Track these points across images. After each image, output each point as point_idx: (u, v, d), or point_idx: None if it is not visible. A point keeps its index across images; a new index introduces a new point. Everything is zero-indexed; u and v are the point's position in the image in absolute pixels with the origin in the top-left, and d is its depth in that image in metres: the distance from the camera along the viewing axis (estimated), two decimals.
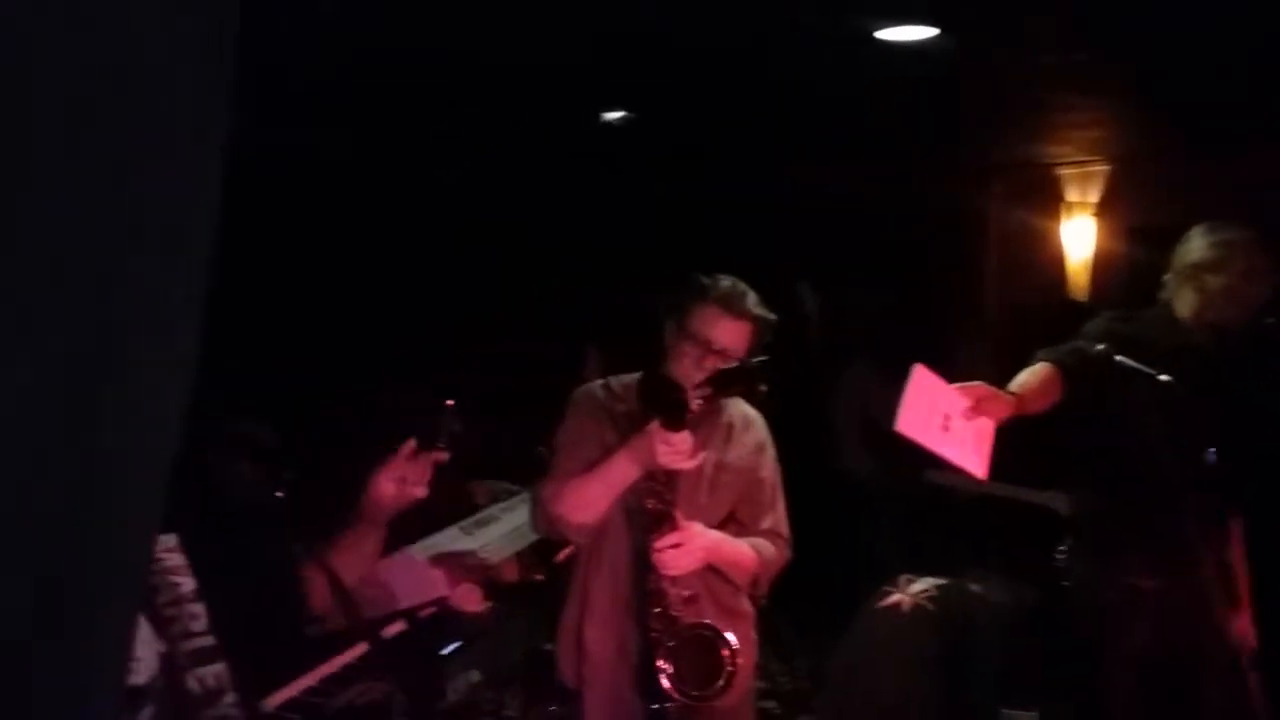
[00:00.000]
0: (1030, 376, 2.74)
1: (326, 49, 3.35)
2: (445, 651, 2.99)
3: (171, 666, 1.64)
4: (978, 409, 2.45)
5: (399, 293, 4.79)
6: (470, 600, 3.24)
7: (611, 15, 3.18)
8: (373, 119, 4.17)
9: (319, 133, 4.15)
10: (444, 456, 2.15)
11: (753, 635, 2.64)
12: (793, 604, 5.03)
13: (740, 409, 2.63)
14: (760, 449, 2.61)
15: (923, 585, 3.80)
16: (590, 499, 2.39)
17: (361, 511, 2.09)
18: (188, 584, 1.71)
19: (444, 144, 4.47)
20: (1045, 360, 2.78)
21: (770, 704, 4.74)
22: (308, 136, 4.13)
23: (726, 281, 2.49)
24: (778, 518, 2.62)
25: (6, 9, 0.67)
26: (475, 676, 2.91)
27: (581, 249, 5.14)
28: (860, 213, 5.91)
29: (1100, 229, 6.05)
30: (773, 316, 2.51)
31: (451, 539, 2.99)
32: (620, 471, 2.35)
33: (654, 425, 2.27)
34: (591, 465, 2.40)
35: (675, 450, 2.27)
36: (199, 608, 1.71)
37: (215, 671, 1.69)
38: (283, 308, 4.20)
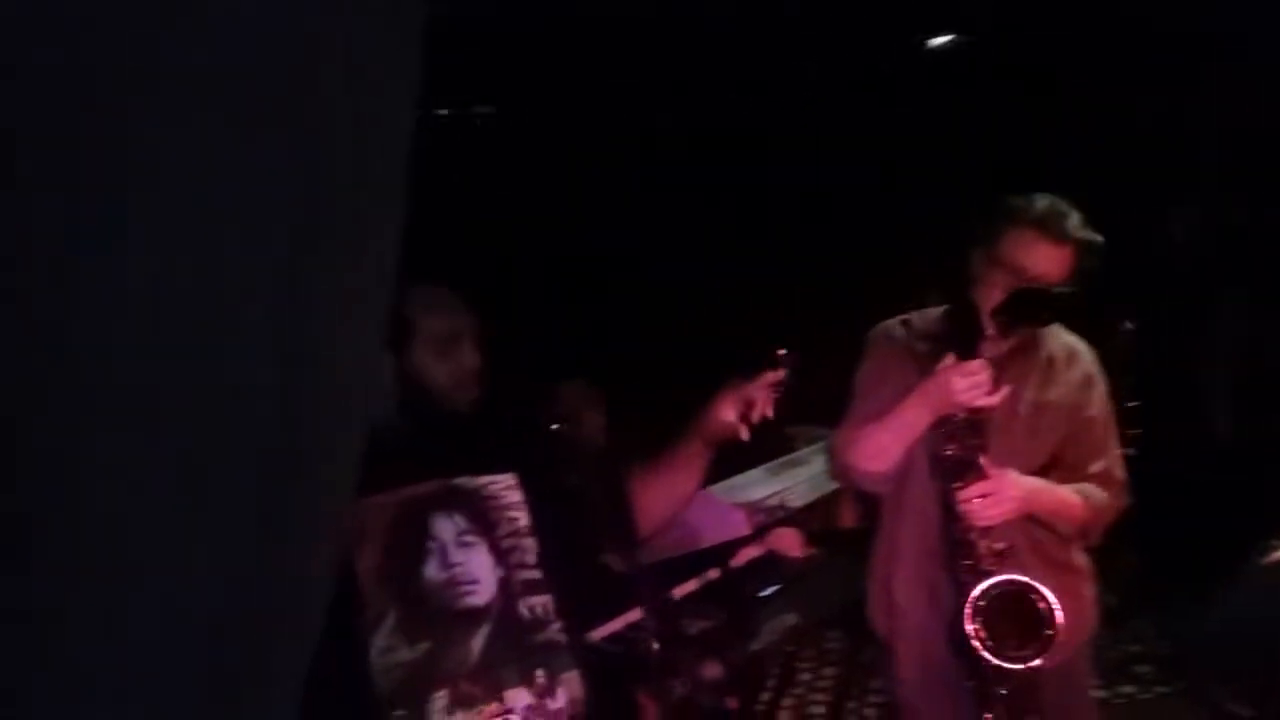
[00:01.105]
0: None
1: None
2: (763, 594, 3.01)
3: (508, 592, 1.79)
4: None
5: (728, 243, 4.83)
6: (791, 544, 3.23)
7: None
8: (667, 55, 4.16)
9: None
10: (782, 378, 2.08)
11: (1087, 592, 2.41)
12: (1165, 563, 4.62)
13: (1063, 341, 2.37)
14: (1087, 384, 2.34)
15: None
16: (882, 447, 2.25)
17: (698, 431, 2.04)
18: (523, 519, 1.83)
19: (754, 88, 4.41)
20: None
21: (1145, 668, 4.36)
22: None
23: (1044, 201, 2.23)
24: (1111, 460, 2.35)
25: None
26: (791, 619, 2.90)
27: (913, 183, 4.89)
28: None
29: None
30: (1098, 239, 2.23)
31: (757, 479, 2.99)
32: (911, 416, 2.19)
33: (946, 362, 2.11)
34: (888, 410, 2.26)
35: (972, 384, 2.08)
36: (532, 542, 1.83)
37: (543, 601, 1.81)
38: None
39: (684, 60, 4.03)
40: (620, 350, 4.15)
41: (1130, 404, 4.87)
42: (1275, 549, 3.40)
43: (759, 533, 3.03)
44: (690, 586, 3.04)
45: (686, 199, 4.63)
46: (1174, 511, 4.81)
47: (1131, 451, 4.75)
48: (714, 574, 2.93)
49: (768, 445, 3.20)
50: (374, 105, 0.85)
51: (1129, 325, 4.84)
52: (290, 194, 0.80)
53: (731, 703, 2.66)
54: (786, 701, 3.53)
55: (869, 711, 3.54)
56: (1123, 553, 4.99)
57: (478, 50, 3.23)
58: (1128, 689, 4.20)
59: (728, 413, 1.99)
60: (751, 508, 2.81)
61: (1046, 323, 2.27)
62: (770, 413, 1.99)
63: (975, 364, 2.07)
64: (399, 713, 1.67)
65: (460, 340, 1.77)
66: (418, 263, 1.78)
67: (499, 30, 3.23)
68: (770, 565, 3.19)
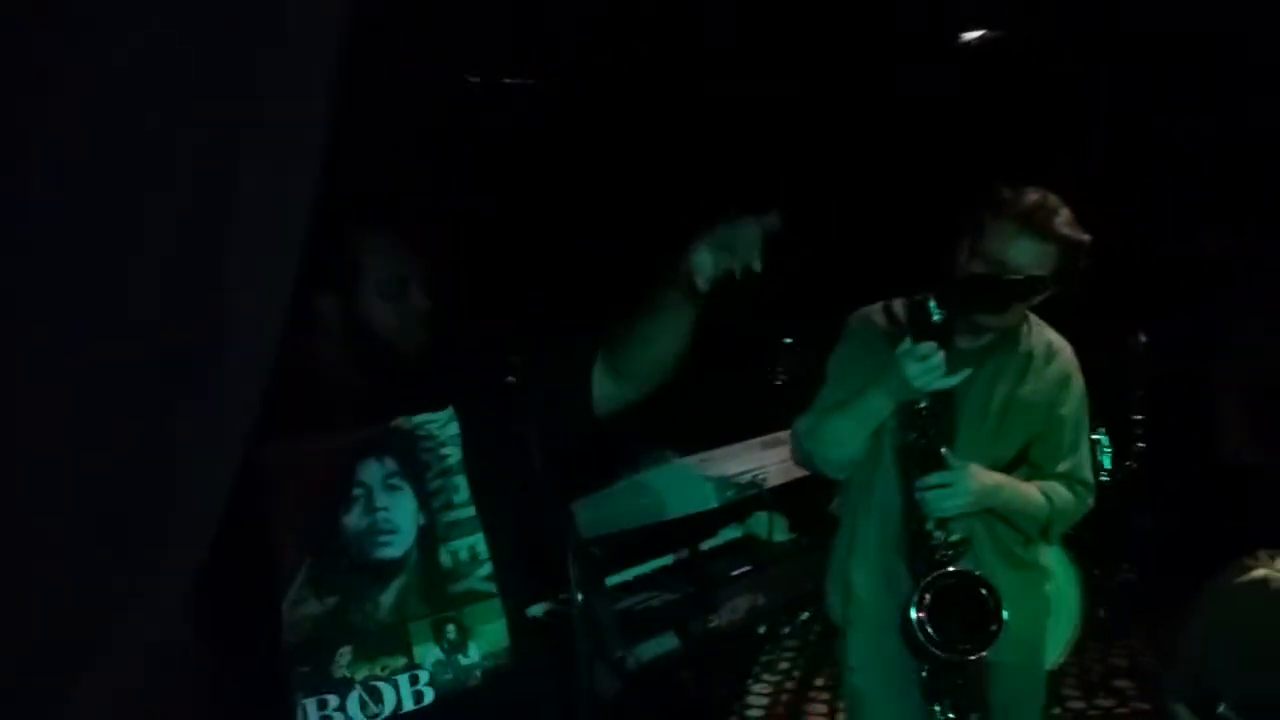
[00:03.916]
0: None
1: None
2: (734, 573, 3.01)
3: (429, 540, 1.74)
4: None
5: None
6: (770, 528, 3.24)
7: None
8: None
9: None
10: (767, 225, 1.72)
11: (1047, 590, 2.39)
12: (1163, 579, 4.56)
13: (1045, 337, 2.34)
14: (1064, 383, 2.31)
15: None
16: (842, 435, 2.23)
17: (676, 277, 1.74)
18: (455, 455, 1.77)
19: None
20: None
21: (1126, 683, 4.32)
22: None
23: (1033, 195, 2.18)
24: (1078, 460, 2.32)
25: None
26: (759, 600, 2.91)
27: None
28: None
29: None
30: (1085, 238, 2.18)
31: (735, 454, 2.98)
32: (873, 403, 2.17)
33: (902, 347, 2.08)
34: (854, 396, 2.23)
35: (925, 368, 2.05)
36: (462, 480, 1.77)
37: (470, 544, 1.76)
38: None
39: (681, 35, 4.01)
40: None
41: (1137, 417, 4.82)
42: (1249, 569, 3.34)
43: (738, 511, 3.04)
44: (664, 560, 3.06)
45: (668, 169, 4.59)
46: (1175, 527, 4.76)
47: (1131, 465, 4.73)
48: (684, 550, 2.94)
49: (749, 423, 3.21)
50: (295, 56, 0.86)
51: (1142, 338, 4.78)
52: (202, 136, 0.82)
53: (687, 678, 2.67)
54: (755, 686, 3.54)
55: (831, 698, 3.54)
56: (1119, 566, 4.95)
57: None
58: (1105, 702, 4.16)
59: (703, 256, 1.71)
60: (724, 482, 2.81)
61: (999, 311, 2.22)
62: (758, 265, 1.71)
63: (927, 347, 2.05)
64: (302, 668, 1.65)
65: (408, 284, 1.74)
66: (368, 207, 1.79)
67: None
68: (745, 546, 3.19)
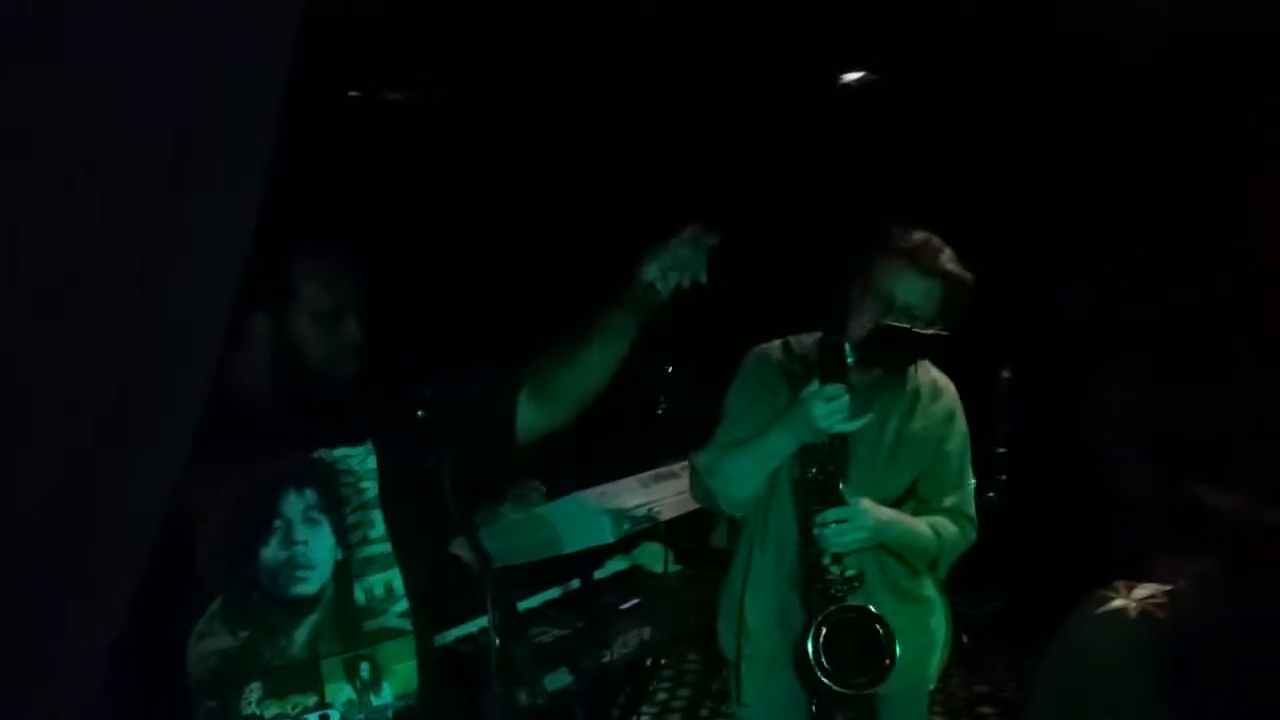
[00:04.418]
0: None
1: None
2: (624, 607, 3.00)
3: (345, 576, 1.70)
4: None
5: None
6: (655, 559, 3.24)
7: None
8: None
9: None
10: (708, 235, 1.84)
11: (932, 624, 2.46)
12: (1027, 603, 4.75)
13: (930, 375, 2.42)
14: (949, 419, 2.39)
15: (1148, 590, 3.39)
16: (744, 472, 2.25)
17: (624, 297, 1.82)
18: (373, 489, 1.75)
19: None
20: None
21: (989, 709, 4.47)
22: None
23: (919, 234, 2.27)
24: (964, 495, 2.40)
25: None
26: (647, 633, 2.90)
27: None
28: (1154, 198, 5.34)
29: None
30: (969, 276, 2.28)
31: (628, 488, 2.98)
32: (775, 443, 2.20)
33: (810, 388, 2.13)
34: (754, 434, 2.26)
35: (832, 410, 2.09)
36: (378, 514, 1.74)
37: (386, 580, 1.72)
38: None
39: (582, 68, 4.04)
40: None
41: (999, 450, 5.04)
42: (1107, 600, 3.49)
43: (625, 544, 3.03)
44: (551, 594, 3.03)
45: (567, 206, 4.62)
46: (1035, 558, 4.97)
47: (994, 496, 4.94)
48: (575, 583, 2.92)
49: (642, 455, 3.21)
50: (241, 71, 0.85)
51: (1006, 374, 5.01)
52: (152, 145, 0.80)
53: (580, 714, 2.64)
54: None
55: None
56: (983, 594, 5.15)
57: (380, 33, 3.19)
58: None
59: (651, 273, 1.80)
60: (620, 515, 2.80)
61: (906, 362, 2.31)
62: (703, 277, 1.81)
63: (835, 389, 2.09)
64: (210, 703, 1.60)
65: (344, 314, 1.70)
66: (308, 233, 1.73)
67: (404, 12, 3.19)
68: (633, 578, 3.19)
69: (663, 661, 2.99)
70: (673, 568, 3.26)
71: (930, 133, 4.72)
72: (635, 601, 3.00)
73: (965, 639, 4.67)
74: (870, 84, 4.52)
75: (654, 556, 3.28)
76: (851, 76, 4.47)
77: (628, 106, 4.38)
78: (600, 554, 3.07)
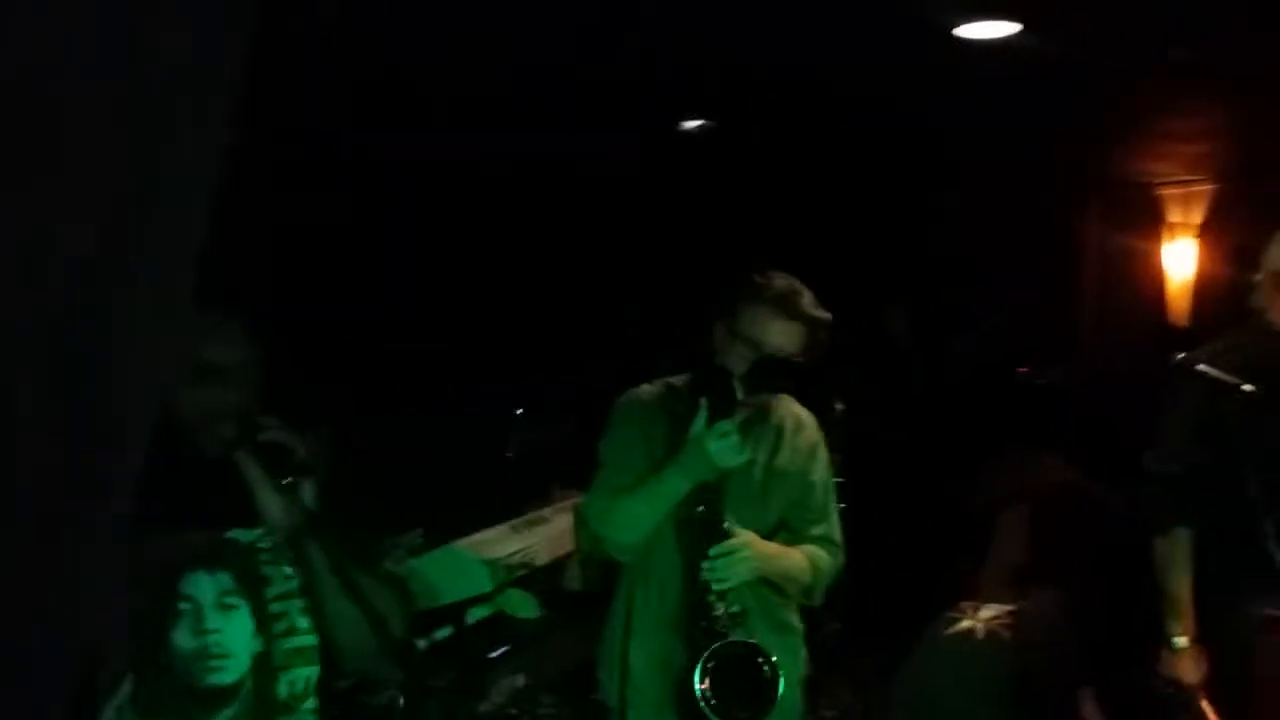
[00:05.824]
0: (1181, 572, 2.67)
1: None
2: (493, 655, 2.97)
3: (264, 667, 1.60)
4: None
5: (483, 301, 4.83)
6: (523, 606, 3.21)
7: (681, 22, 3.14)
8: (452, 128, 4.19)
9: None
10: None
11: (803, 651, 2.54)
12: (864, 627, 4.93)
13: (792, 409, 2.53)
14: (812, 451, 2.50)
15: (993, 611, 3.61)
16: (639, 517, 2.28)
17: None
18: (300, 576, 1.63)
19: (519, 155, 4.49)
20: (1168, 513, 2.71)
21: None
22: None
23: (781, 281, 2.40)
24: (831, 524, 2.51)
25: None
26: (520, 681, 2.88)
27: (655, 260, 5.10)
28: (945, 234, 5.73)
29: (1203, 251, 5.77)
30: (827, 317, 2.41)
31: (499, 536, 2.96)
32: (669, 485, 2.25)
33: (696, 428, 2.19)
34: (640, 478, 2.30)
35: (726, 446, 2.17)
36: (304, 603, 1.64)
37: (308, 675, 1.64)
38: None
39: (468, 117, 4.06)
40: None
41: (838, 479, 5.25)
42: (955, 621, 3.69)
43: (494, 591, 3.00)
44: (420, 644, 2.96)
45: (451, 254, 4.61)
46: (872, 581, 5.18)
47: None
48: (445, 632, 2.86)
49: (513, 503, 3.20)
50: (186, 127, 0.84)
51: (840, 406, 5.22)
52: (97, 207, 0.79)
53: None
54: None
55: None
56: (824, 618, 5.31)
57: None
58: None
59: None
60: (495, 565, 2.78)
61: (782, 390, 2.41)
62: None
63: (727, 425, 2.17)
64: None
65: (225, 374, 1.58)
66: (206, 288, 1.65)
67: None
68: (501, 625, 3.15)
69: (542, 710, 2.95)
70: (537, 612, 3.25)
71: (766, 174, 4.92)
72: (506, 649, 2.97)
73: (810, 665, 4.80)
74: (707, 130, 4.68)
75: (518, 603, 3.25)
76: (690, 124, 4.62)
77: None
78: (467, 602, 3.02)
